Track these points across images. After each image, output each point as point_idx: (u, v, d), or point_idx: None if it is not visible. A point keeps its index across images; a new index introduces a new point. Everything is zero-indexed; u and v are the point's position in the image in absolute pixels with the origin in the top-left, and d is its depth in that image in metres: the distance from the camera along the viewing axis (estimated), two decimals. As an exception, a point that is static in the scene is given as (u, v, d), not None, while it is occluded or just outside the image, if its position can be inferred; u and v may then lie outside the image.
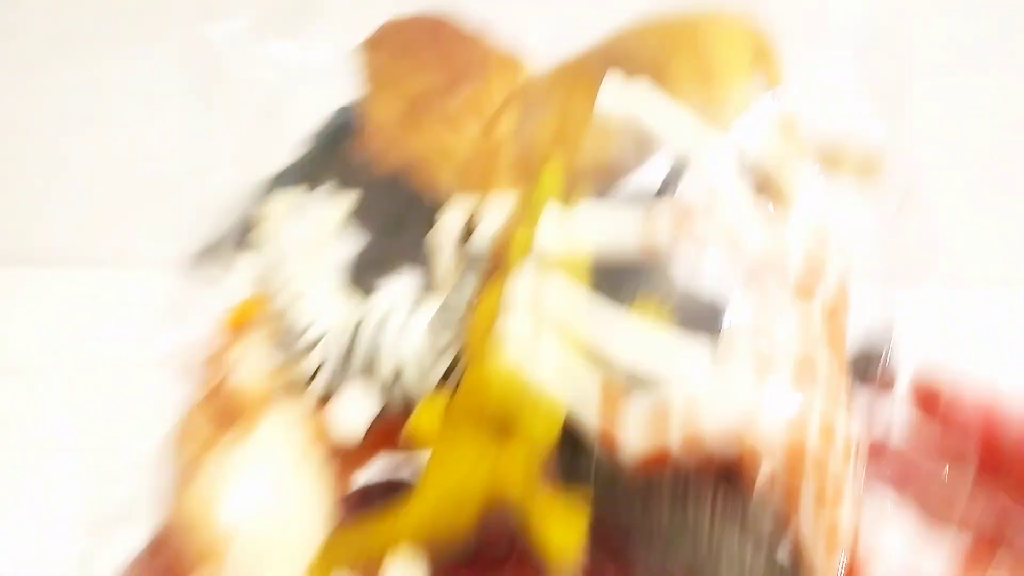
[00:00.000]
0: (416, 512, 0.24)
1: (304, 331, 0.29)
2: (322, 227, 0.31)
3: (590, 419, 0.22)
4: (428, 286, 0.29)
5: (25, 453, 0.51)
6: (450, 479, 0.24)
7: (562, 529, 0.22)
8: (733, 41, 0.26)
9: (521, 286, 0.24)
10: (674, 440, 0.21)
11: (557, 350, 0.23)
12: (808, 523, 0.21)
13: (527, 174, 0.27)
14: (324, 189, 0.32)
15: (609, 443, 0.22)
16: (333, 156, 0.33)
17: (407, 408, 0.27)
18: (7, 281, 0.73)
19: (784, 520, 0.22)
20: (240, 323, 0.30)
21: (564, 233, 0.24)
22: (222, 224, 0.34)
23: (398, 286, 0.29)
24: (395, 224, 0.31)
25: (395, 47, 0.33)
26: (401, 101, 0.31)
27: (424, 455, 0.25)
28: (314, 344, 0.28)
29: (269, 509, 0.26)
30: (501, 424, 0.23)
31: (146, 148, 0.76)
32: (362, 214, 0.31)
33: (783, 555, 0.23)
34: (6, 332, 0.68)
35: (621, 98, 0.25)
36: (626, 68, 0.26)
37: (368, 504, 0.27)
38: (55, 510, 0.47)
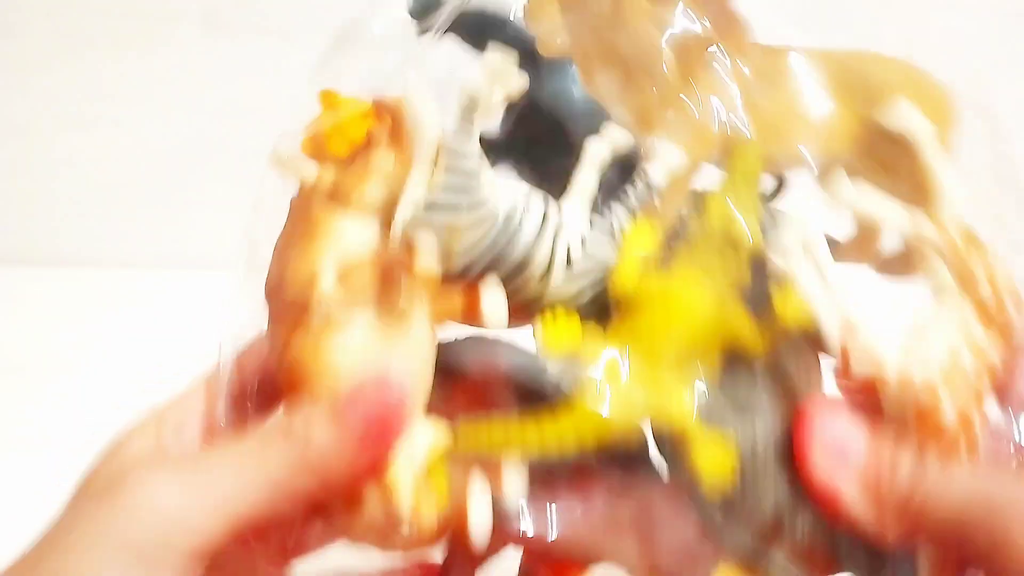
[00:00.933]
0: (583, 421, 0.26)
1: (472, 206, 0.28)
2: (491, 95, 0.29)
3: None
4: (566, 192, 0.30)
5: (25, 453, 0.52)
6: (623, 398, 0.27)
7: (715, 460, 0.27)
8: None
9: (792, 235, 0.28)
10: None
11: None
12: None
13: (711, 141, 0.29)
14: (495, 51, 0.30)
15: None
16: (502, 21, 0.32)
17: (533, 303, 0.28)
18: (7, 281, 0.73)
19: None
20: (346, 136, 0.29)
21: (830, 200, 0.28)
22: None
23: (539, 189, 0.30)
24: (546, 114, 0.32)
25: None
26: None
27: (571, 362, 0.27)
28: (477, 221, 0.28)
29: (379, 361, 0.26)
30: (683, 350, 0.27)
31: (147, 148, 0.76)
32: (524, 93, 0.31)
33: None
34: (6, 332, 0.68)
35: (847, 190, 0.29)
36: (850, 88, 0.30)
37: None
38: (55, 509, 0.47)
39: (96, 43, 0.73)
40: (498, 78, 0.28)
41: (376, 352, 0.26)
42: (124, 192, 0.76)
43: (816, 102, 0.29)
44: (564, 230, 0.28)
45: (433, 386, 0.28)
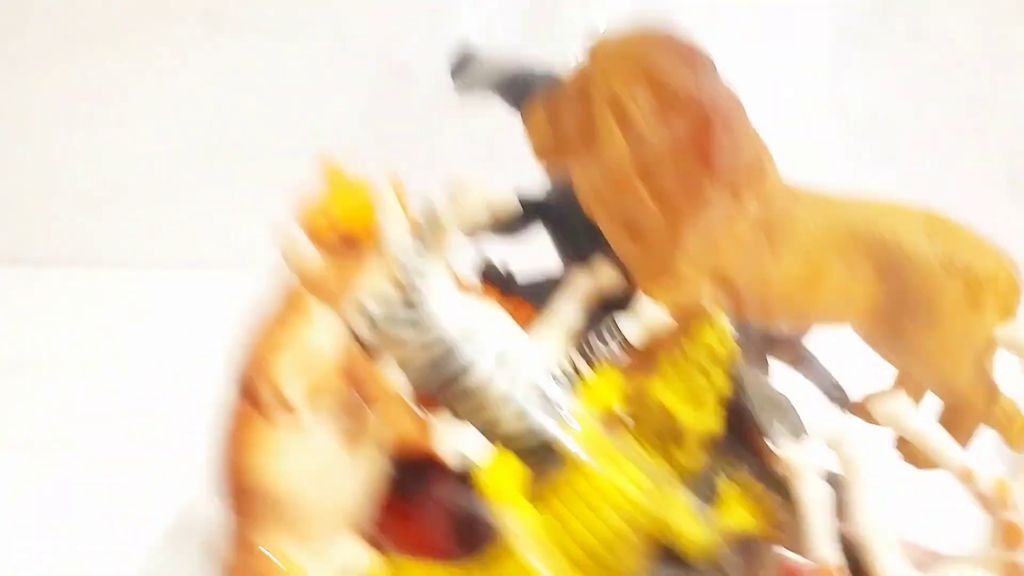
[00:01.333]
0: None
1: (431, 326, 0.26)
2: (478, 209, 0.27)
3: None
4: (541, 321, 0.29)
5: (25, 453, 0.52)
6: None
7: None
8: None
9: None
10: None
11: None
12: None
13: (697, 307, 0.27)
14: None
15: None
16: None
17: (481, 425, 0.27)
18: (7, 281, 0.73)
19: None
20: (348, 224, 0.27)
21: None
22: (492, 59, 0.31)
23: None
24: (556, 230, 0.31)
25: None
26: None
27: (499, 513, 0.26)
28: (436, 342, 0.26)
29: (323, 479, 0.26)
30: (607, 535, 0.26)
31: (147, 148, 0.76)
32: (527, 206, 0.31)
33: None
34: (6, 332, 0.68)
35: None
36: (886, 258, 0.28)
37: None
38: (55, 509, 0.47)
39: (96, 43, 0.73)
40: (460, 206, 0.26)
41: (325, 469, 0.26)
42: (124, 192, 0.76)
43: (833, 265, 0.28)
44: (521, 368, 0.27)
45: (378, 506, 0.28)
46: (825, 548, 0.25)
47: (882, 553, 0.26)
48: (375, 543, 0.28)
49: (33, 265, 0.75)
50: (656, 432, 0.26)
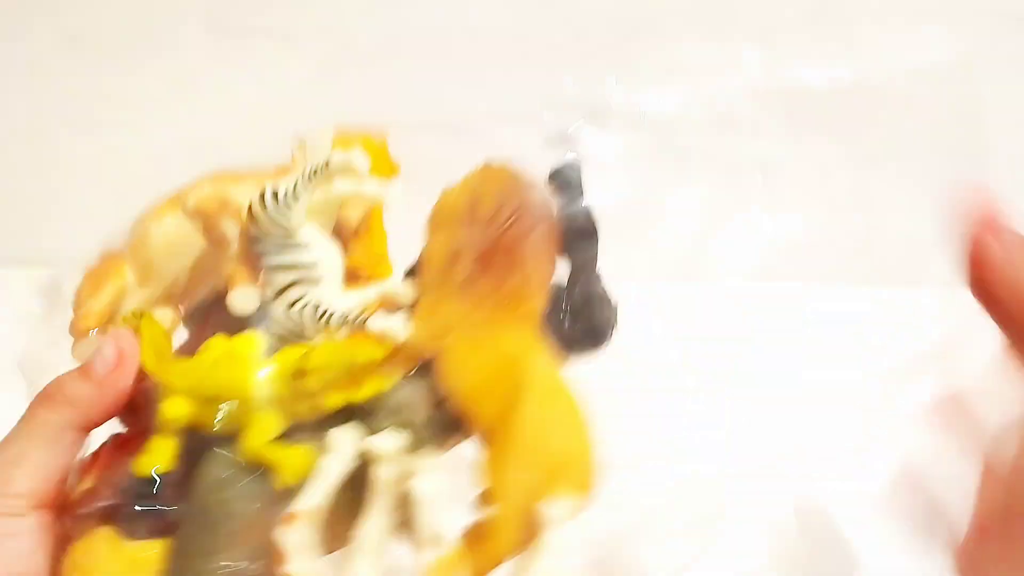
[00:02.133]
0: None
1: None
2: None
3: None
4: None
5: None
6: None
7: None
8: None
9: None
10: None
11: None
12: None
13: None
14: None
15: None
16: None
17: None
18: (9, 282, 0.73)
19: None
20: None
21: None
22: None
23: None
24: None
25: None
26: None
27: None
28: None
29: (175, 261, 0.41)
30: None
31: (150, 150, 0.76)
32: None
33: None
34: (6, 332, 0.68)
35: None
36: None
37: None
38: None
39: (99, 46, 0.73)
40: (343, 169, 0.34)
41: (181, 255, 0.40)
42: (129, 195, 0.76)
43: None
44: (312, 292, 0.34)
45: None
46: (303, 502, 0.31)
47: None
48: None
49: (34, 266, 0.75)
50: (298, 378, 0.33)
